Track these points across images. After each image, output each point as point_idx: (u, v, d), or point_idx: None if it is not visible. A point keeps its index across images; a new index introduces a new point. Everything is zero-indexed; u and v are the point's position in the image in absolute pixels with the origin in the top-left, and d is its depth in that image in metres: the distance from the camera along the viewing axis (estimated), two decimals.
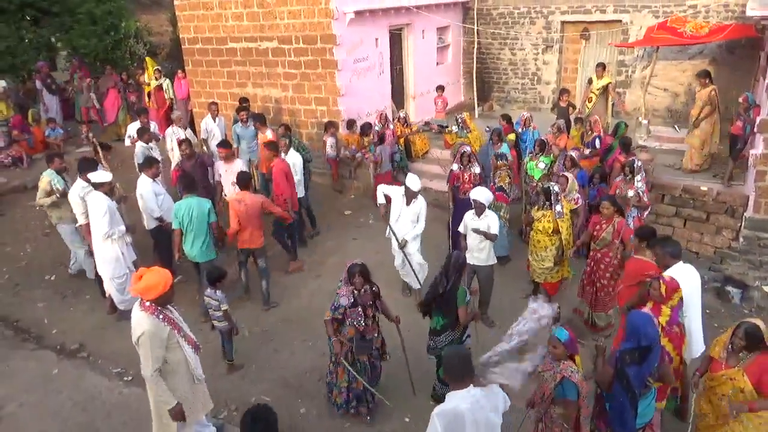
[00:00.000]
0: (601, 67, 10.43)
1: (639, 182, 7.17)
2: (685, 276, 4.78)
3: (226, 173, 8.07)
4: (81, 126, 12.45)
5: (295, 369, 6.05)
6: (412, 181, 6.72)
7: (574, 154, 7.93)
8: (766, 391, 3.99)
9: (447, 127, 11.50)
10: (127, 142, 9.61)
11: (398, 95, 12.62)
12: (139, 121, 9.49)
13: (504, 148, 8.29)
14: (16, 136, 11.76)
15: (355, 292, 4.85)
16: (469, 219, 6.45)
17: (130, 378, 5.93)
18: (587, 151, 8.20)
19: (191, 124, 11.93)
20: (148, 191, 7.09)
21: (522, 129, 9.66)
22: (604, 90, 10.30)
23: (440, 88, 12.26)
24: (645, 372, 3.86)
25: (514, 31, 13.50)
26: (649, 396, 4.06)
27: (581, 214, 7.32)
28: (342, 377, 5.11)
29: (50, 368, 6.10)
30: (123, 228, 6.56)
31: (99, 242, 6.48)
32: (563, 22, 12.94)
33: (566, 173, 7.34)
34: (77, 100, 13.63)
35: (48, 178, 7.13)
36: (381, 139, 9.83)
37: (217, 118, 10.17)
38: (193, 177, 6.98)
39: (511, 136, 9.34)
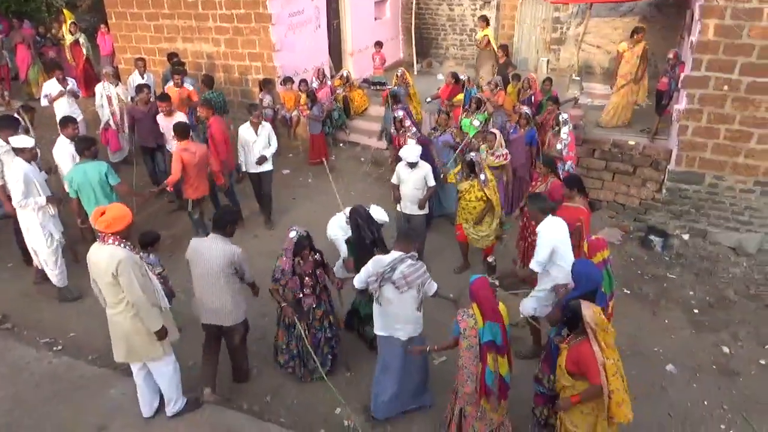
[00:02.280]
0: (482, 19, 11.08)
1: (564, 134, 7.34)
2: (557, 226, 5.03)
3: (167, 127, 7.82)
4: None
5: None
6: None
7: (527, 110, 7.93)
8: (583, 374, 3.79)
9: (385, 83, 11.38)
10: (44, 102, 8.98)
11: (336, 51, 12.33)
12: (55, 77, 8.86)
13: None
14: None
15: (295, 260, 4.83)
16: (403, 171, 6.66)
17: (59, 347, 5.72)
18: (524, 108, 8.27)
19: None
20: (65, 155, 6.62)
21: (463, 88, 9.61)
22: (486, 43, 10.78)
23: (378, 44, 12.07)
24: None
25: None
26: None
27: (510, 170, 7.43)
28: (282, 338, 5.17)
29: None
30: (42, 199, 6.02)
31: (18, 210, 6.08)
32: None
33: (494, 130, 7.42)
34: None
35: None
36: (312, 98, 9.64)
37: (145, 75, 9.74)
38: (93, 139, 6.48)
39: (460, 97, 9.40)
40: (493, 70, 10.67)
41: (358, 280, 4.55)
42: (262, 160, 7.56)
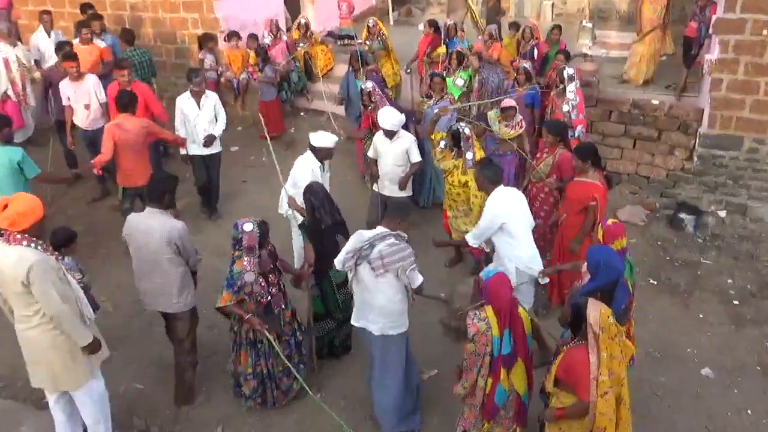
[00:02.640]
0: None
1: (571, 93, 7.25)
2: (507, 200, 5.18)
3: (75, 94, 7.71)
4: None
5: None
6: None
7: (527, 65, 7.90)
8: (572, 386, 3.83)
9: (354, 37, 11.22)
10: None
11: None
12: None
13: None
14: None
15: (262, 253, 4.75)
16: (381, 142, 6.62)
17: None
18: (525, 63, 8.12)
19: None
20: None
21: (446, 39, 9.63)
22: None
23: None
24: (614, 311, 3.91)
25: None
26: None
27: (527, 139, 7.36)
28: (245, 362, 5.00)
29: None
30: None
31: None
32: None
33: (511, 102, 7.20)
34: None
35: None
36: (264, 56, 9.53)
37: (52, 33, 9.53)
38: (5, 118, 6.33)
39: (441, 49, 9.35)
40: (478, 18, 10.57)
41: (338, 261, 4.63)
42: (210, 140, 7.42)
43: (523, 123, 7.17)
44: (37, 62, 9.29)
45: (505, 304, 3.96)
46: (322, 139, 5.99)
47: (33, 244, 4.02)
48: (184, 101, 7.37)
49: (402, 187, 6.71)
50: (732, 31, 7.46)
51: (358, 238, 4.55)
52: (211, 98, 7.48)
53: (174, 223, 4.83)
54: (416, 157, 6.63)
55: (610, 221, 4.66)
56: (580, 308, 3.74)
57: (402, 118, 6.57)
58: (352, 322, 4.84)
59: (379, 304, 4.53)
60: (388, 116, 6.44)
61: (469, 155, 6.22)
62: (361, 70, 8.62)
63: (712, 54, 7.78)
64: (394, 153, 6.58)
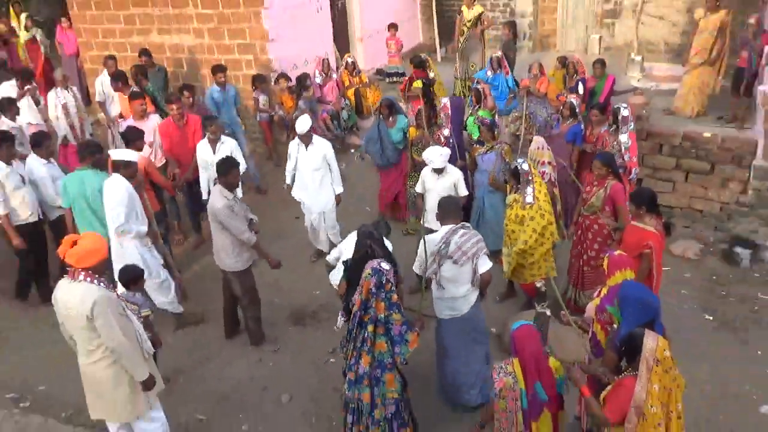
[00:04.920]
0: None
1: (623, 135, 7.19)
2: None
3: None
4: None
5: (231, 380, 6.14)
6: None
7: (573, 100, 7.85)
8: (606, 402, 3.89)
9: (404, 74, 11.53)
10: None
11: (342, 37, 12.55)
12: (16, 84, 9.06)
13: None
14: None
15: None
16: (429, 178, 6.94)
17: (27, 404, 5.90)
18: (572, 98, 7.98)
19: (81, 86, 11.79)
20: (43, 176, 6.99)
21: (490, 73, 9.85)
22: (477, 22, 11.06)
23: (393, 27, 12.26)
24: None
25: None
26: None
27: (558, 198, 6.90)
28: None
29: None
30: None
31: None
32: None
33: (538, 136, 7.19)
34: None
35: None
36: (299, 93, 9.71)
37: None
38: (98, 144, 6.97)
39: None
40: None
41: (417, 268, 5.23)
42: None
43: (546, 175, 6.74)
44: (101, 104, 9.82)
45: (530, 357, 3.99)
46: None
47: (96, 281, 4.30)
48: (201, 147, 7.62)
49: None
50: None
51: (430, 243, 5.03)
52: (227, 144, 7.59)
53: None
54: (463, 190, 6.97)
55: (617, 252, 4.73)
56: (635, 338, 3.71)
57: (448, 152, 6.87)
58: (439, 316, 5.30)
59: (462, 293, 5.10)
60: (437, 153, 6.70)
61: (528, 191, 6.23)
62: (396, 114, 8.33)
63: (765, 85, 7.76)
64: (441, 188, 6.78)
